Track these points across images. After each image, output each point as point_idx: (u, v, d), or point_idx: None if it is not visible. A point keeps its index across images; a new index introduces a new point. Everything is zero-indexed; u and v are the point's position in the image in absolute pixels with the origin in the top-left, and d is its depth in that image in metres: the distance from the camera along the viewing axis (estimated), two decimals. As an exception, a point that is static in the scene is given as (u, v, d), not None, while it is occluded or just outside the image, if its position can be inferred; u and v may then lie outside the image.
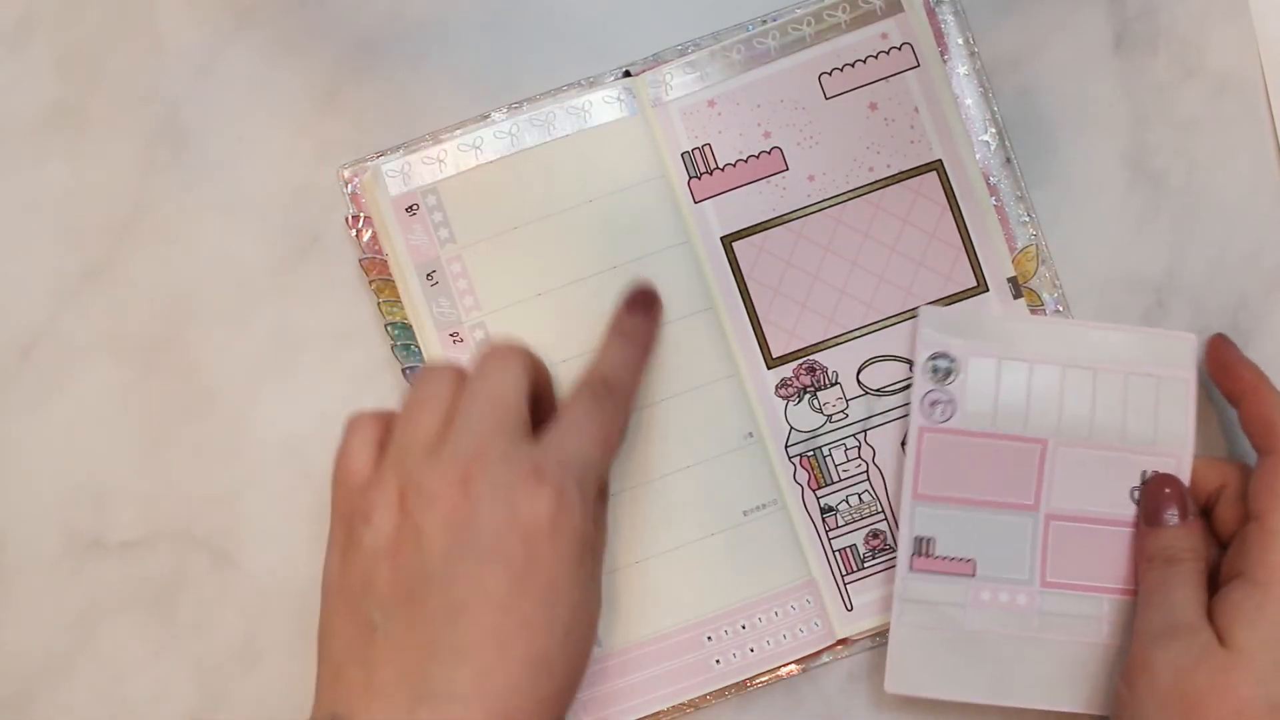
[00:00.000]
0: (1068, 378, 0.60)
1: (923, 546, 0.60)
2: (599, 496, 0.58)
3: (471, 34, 0.64)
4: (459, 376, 0.55)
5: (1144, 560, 0.58)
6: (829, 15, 0.62)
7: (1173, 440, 0.60)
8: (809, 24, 0.62)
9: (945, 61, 0.62)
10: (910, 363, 0.62)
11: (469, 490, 0.52)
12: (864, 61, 0.62)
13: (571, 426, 0.55)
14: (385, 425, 0.56)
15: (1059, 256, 0.63)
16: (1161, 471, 0.59)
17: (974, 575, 0.60)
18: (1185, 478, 0.59)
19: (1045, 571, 0.60)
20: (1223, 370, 0.60)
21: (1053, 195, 0.63)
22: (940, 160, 0.62)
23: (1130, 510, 0.59)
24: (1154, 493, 0.59)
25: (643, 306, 0.60)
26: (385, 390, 0.63)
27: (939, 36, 0.62)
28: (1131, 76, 0.63)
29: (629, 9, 0.63)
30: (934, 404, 0.60)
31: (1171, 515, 0.58)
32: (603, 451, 0.55)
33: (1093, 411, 0.60)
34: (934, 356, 0.60)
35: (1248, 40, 0.63)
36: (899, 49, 0.62)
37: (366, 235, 0.63)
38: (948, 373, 0.60)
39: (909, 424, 0.60)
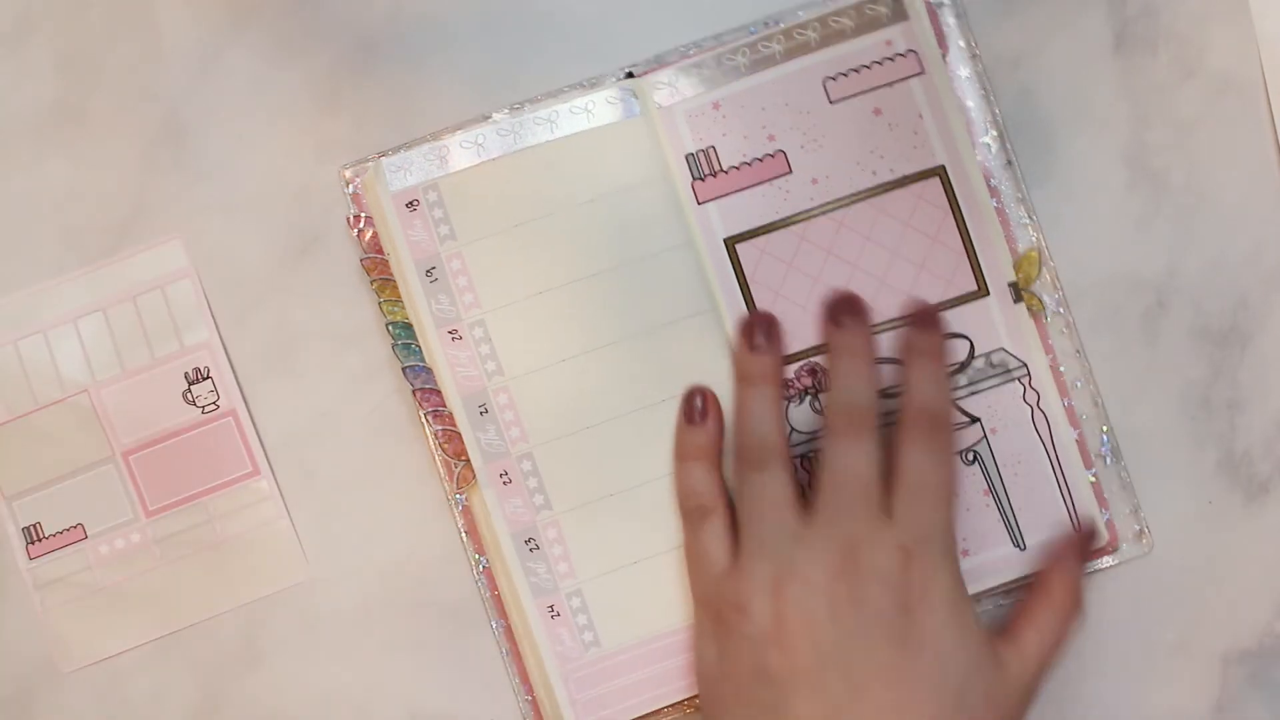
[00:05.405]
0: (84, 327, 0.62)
1: (32, 534, 0.62)
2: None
3: (472, 34, 0.63)
4: (788, 459, 0.57)
5: None
6: (834, 21, 0.62)
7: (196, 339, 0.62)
8: (814, 29, 0.62)
9: (946, 63, 0.62)
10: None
11: (848, 577, 0.54)
12: (869, 67, 0.62)
13: (920, 491, 0.55)
14: (724, 503, 0.58)
15: (1059, 256, 0.63)
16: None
17: (86, 538, 0.62)
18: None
19: (145, 504, 0.62)
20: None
21: (1053, 195, 0.63)
22: (943, 166, 0.62)
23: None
24: None
25: (928, 320, 0.58)
26: (385, 390, 0.63)
27: (940, 39, 0.62)
28: (1131, 76, 0.63)
29: (630, 10, 0.63)
30: None
31: None
32: (952, 505, 0.56)
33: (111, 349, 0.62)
34: None
35: (1248, 40, 0.63)
36: (904, 55, 0.62)
37: (367, 235, 0.62)
38: None
39: None
